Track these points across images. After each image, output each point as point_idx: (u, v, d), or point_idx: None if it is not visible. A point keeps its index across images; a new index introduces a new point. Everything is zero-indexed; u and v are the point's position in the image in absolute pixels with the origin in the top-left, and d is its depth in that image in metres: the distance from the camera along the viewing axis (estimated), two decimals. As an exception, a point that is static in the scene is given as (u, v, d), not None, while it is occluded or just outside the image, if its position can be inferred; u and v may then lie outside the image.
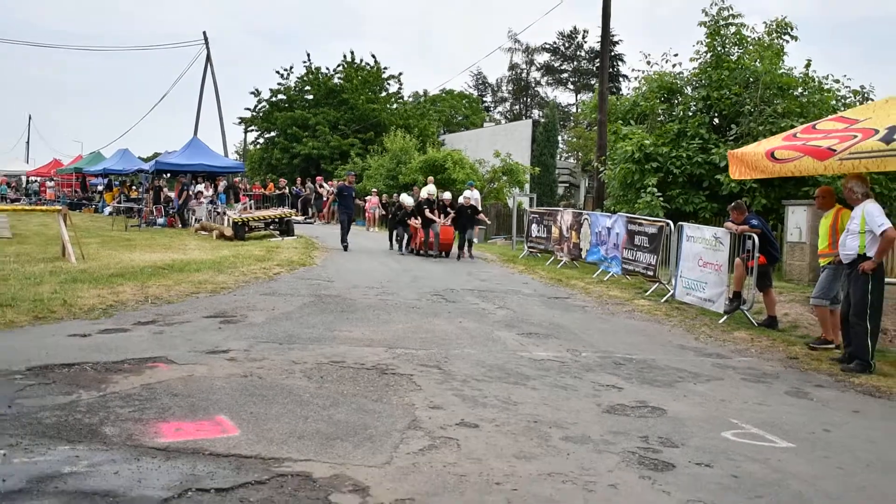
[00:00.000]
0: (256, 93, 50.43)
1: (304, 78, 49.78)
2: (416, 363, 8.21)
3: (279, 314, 10.66)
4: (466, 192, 23.09)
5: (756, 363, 9.48)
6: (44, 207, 26.77)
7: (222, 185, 34.36)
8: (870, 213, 8.89)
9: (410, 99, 54.54)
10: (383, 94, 50.23)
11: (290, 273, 15.61)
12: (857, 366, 9.04)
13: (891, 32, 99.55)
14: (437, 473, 5.06)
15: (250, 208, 29.74)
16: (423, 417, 6.29)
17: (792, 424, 6.85)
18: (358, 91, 47.65)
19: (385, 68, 50.51)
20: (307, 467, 4.96)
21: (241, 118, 52.31)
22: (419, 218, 22.00)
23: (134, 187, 38.16)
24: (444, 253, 21.92)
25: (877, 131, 8.30)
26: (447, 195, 23.05)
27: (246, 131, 54.85)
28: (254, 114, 50.90)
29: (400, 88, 51.53)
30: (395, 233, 23.55)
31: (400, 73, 54.66)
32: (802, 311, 13.56)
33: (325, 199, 37.68)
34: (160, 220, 29.80)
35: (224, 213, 27.01)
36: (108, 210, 35.93)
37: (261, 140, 52.55)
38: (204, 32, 50.93)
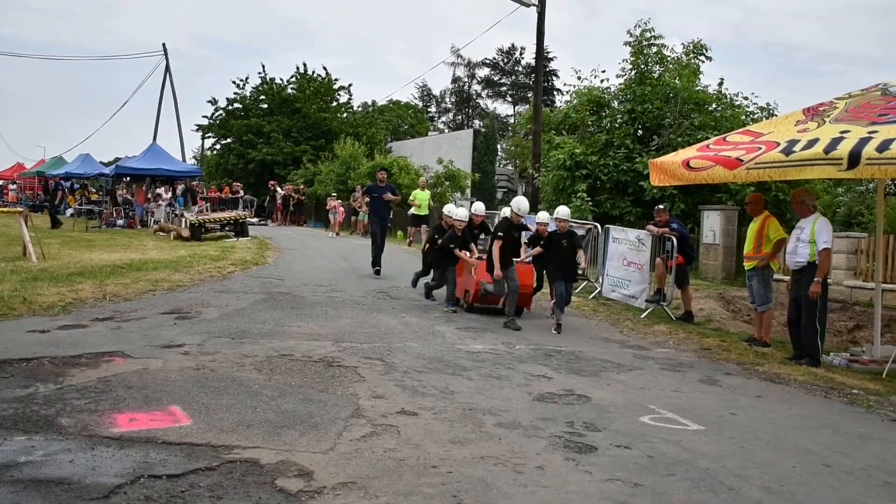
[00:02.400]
0: (214, 101, 49.77)
1: (260, 88, 49.27)
2: (360, 356, 8.21)
3: (232, 310, 10.54)
4: (477, 207, 13.07)
5: (673, 354, 9.67)
6: (5, 209, 26.01)
7: (180, 188, 33.81)
8: (820, 227, 9.20)
9: (360, 108, 54.39)
10: (334, 103, 49.96)
11: (243, 272, 15.43)
12: (808, 362, 9.27)
13: (791, 57, 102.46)
14: (378, 458, 5.07)
15: (207, 211, 29.30)
16: (366, 406, 6.29)
17: (703, 409, 7.02)
18: (310, 101, 47.34)
19: (336, 80, 50.31)
20: (255, 454, 4.93)
21: (198, 125, 51.52)
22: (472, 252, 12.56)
23: (94, 190, 37.29)
24: (517, 311, 11.61)
25: (778, 144, 8.52)
26: (478, 208, 12.99)
27: (203, 138, 54.03)
28: (211, 121, 50.18)
29: (350, 99, 51.36)
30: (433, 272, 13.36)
31: (350, 85, 54.58)
32: (716, 307, 13.87)
33: (277, 202, 37.36)
34: (120, 222, 29.20)
35: (182, 215, 26.58)
36: (69, 212, 35.08)
37: (217, 146, 51.81)
38: (163, 44, 50.24)
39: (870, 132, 7.90)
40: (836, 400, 7.91)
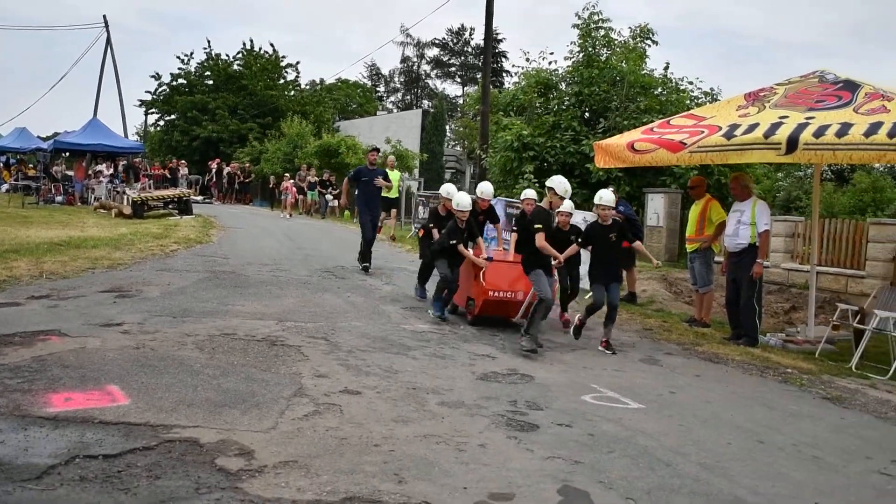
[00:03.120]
0: (157, 76, 48.75)
1: (205, 64, 48.35)
2: (304, 335, 8.14)
3: (174, 289, 10.36)
4: (484, 189, 11.22)
5: (616, 334, 9.77)
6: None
7: (122, 165, 33.05)
8: (760, 209, 9.41)
9: (307, 87, 53.76)
10: (281, 81, 49.31)
11: (186, 250, 15.17)
12: (746, 341, 9.46)
13: (735, 44, 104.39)
14: (320, 437, 5.05)
15: (150, 188, 28.70)
16: (309, 385, 6.25)
17: (643, 388, 7.14)
18: (257, 78, 46.67)
19: (283, 57, 49.63)
20: (195, 433, 4.86)
21: (141, 101, 50.40)
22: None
23: (32, 165, 36.25)
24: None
25: (720, 128, 8.67)
26: (485, 189, 11.09)
27: (146, 113, 52.88)
28: (154, 97, 49.12)
29: (297, 76, 50.75)
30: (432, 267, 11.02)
31: (297, 62, 53.78)
32: (658, 288, 14.10)
33: (224, 180, 36.80)
34: (59, 199, 28.44)
35: (123, 192, 26.00)
36: (4, 187, 34.05)
37: (161, 122, 50.77)
38: (104, 16, 48.80)
39: (807, 118, 8.08)
40: (771, 379, 8.12)
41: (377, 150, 15.55)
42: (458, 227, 9.86)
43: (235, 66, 48.00)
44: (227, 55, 48.57)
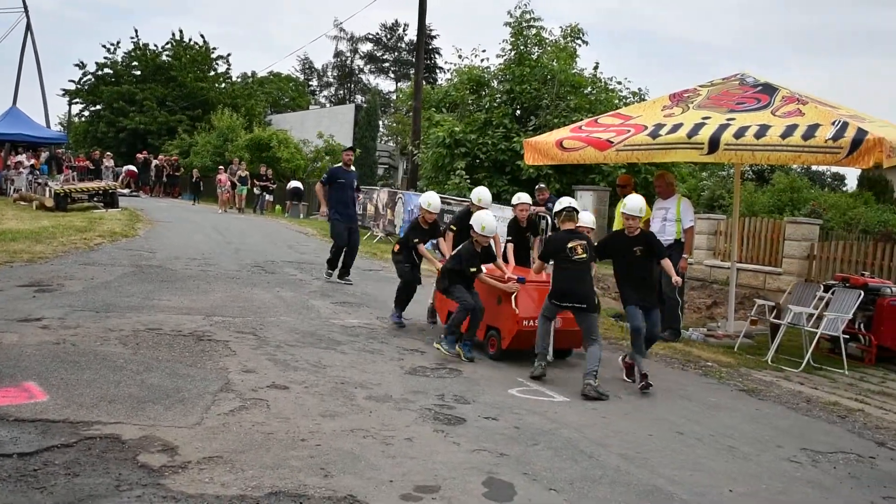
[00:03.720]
0: (81, 65, 47.12)
1: (132, 53, 46.99)
2: (232, 330, 8.04)
3: (98, 283, 10.09)
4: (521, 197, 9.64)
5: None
6: None
7: (44, 156, 32.01)
8: (685, 207, 9.67)
9: (238, 79, 52.79)
10: (212, 73, 48.29)
11: (111, 244, 14.78)
12: (670, 334, 9.66)
13: (663, 45, 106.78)
14: (246, 432, 5.00)
15: (73, 180, 27.86)
16: (236, 381, 6.18)
17: (568, 381, 7.26)
18: (186, 69, 45.59)
19: (214, 48, 48.60)
20: (117, 430, 4.76)
21: (65, 90, 48.69)
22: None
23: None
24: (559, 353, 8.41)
25: (646, 127, 8.86)
26: (481, 196, 9.33)
27: (70, 103, 51.15)
28: (78, 86, 47.54)
29: (228, 69, 49.69)
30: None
31: (228, 54, 52.45)
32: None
33: (152, 173, 35.93)
34: (-24, 190, 27.38)
35: (45, 184, 25.18)
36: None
37: (86, 113, 49.23)
38: (24, 0, 46.83)
39: (728, 119, 8.32)
40: (692, 372, 8.35)
41: (353, 149, 13.86)
42: (475, 250, 8.15)
43: (164, 57, 46.81)
44: (156, 45, 47.37)
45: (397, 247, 9.61)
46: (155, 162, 36.26)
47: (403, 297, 9.38)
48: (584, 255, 7.26)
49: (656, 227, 9.91)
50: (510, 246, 9.27)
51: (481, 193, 9.27)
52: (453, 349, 7.84)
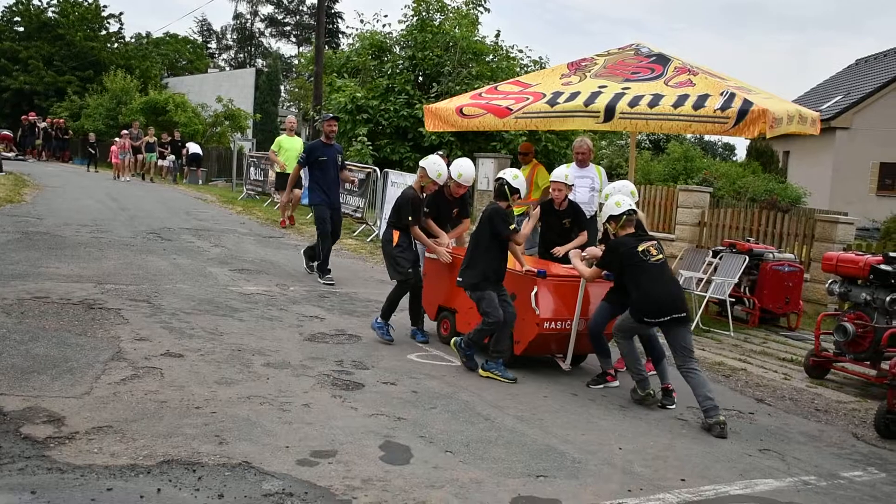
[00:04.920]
0: (-42, 21, 44.39)
1: (13, 8, 44.43)
2: (125, 298, 7.79)
3: (-21, 251, 9.61)
4: (560, 173, 7.66)
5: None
6: None
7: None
8: (604, 175, 9.68)
9: (132, 40, 50.65)
10: (103, 32, 46.16)
11: (-5, 210, 14.07)
12: None
13: (563, 15, 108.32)
14: (138, 401, 4.88)
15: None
16: (129, 349, 6.01)
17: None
18: (75, 27, 43.35)
19: (104, 6, 46.42)
20: (-2, 401, 4.58)
21: (-61, 47, 45.78)
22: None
23: None
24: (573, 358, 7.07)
25: (544, 95, 8.95)
26: (462, 170, 7.48)
27: (-54, 61, 48.11)
28: (-46, 43, 44.76)
29: (121, 28, 47.80)
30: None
31: (121, 13, 50.41)
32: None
33: (39, 136, 34.20)
34: None
35: (-79, 147, 23.69)
36: None
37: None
38: None
39: (623, 88, 8.48)
40: (587, 335, 8.56)
41: (336, 118, 10.89)
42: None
43: (50, 14, 44.48)
44: (41, 1, 44.96)
45: (397, 235, 7.43)
46: (42, 124, 34.53)
47: (396, 304, 7.42)
48: (660, 256, 6.10)
49: (584, 198, 9.84)
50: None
51: (463, 167, 7.45)
52: (507, 374, 6.36)
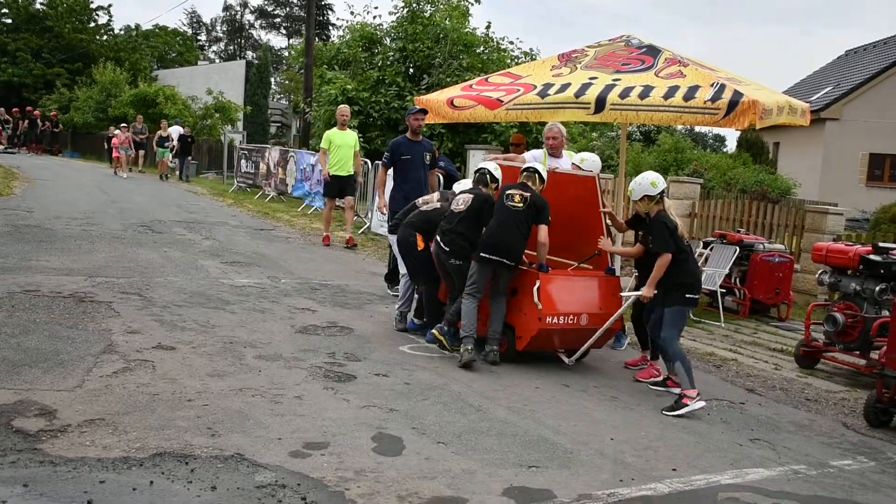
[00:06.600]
0: (-55, 12, 44.01)
1: (1, 0, 44.13)
2: (116, 291, 7.77)
3: (-31, 244, 9.55)
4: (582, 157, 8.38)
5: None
6: None
7: None
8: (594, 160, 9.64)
9: (122, 32, 50.34)
10: (92, 24, 45.88)
11: (-16, 203, 13.99)
12: None
13: (554, 7, 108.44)
14: (130, 394, 4.87)
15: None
16: (120, 342, 6.00)
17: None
18: (63, 19, 43.09)
19: (92, -2, 46.12)
20: (-11, 395, 4.57)
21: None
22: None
23: None
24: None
25: (535, 86, 8.94)
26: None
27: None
28: (-59, 34, 44.38)
29: (110, 20, 47.34)
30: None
31: (110, 5, 49.75)
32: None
33: (39, 129, 34.00)
34: None
35: None
36: None
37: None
38: None
39: (614, 79, 8.48)
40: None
41: (424, 111, 9.39)
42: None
43: (38, 5, 44.17)
44: (29, -8, 44.61)
45: (420, 238, 7.07)
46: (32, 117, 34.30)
47: (438, 302, 7.19)
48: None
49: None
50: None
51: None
52: (452, 342, 6.64)
